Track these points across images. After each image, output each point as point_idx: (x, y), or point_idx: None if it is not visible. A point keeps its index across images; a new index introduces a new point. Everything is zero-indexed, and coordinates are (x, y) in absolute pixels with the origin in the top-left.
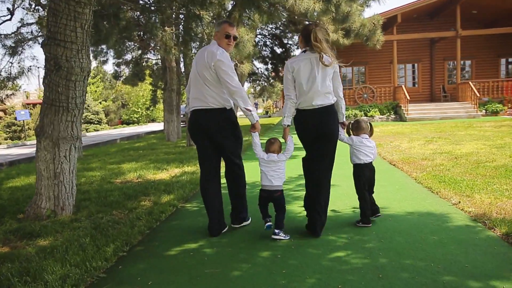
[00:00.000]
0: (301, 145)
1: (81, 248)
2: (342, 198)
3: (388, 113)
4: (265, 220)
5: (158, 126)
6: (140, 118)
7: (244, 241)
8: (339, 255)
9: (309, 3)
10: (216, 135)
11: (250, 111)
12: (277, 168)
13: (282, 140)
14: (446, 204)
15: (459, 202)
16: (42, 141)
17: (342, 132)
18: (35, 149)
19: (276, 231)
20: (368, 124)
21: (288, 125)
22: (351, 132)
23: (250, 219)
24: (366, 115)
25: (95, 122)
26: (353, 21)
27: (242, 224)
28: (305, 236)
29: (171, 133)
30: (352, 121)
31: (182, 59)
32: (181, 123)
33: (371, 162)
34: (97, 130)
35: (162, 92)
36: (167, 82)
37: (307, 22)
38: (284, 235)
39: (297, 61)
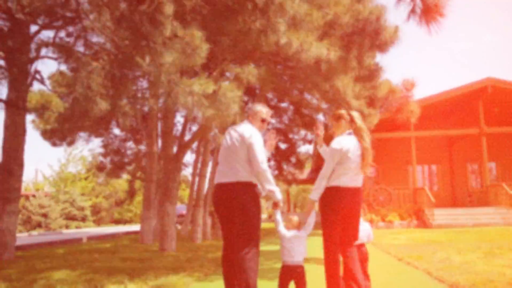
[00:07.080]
0: None
1: None
2: None
3: (410, 218)
4: None
5: None
6: (134, 217)
7: None
8: None
9: (321, 49)
10: (236, 210)
11: (274, 192)
12: (299, 244)
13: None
14: None
15: None
16: None
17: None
18: None
19: None
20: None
21: (316, 201)
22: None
23: None
24: (383, 221)
25: (79, 219)
26: (378, 85)
27: None
28: None
29: (146, 233)
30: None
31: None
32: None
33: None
34: (79, 228)
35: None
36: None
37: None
38: None
39: (348, 141)
